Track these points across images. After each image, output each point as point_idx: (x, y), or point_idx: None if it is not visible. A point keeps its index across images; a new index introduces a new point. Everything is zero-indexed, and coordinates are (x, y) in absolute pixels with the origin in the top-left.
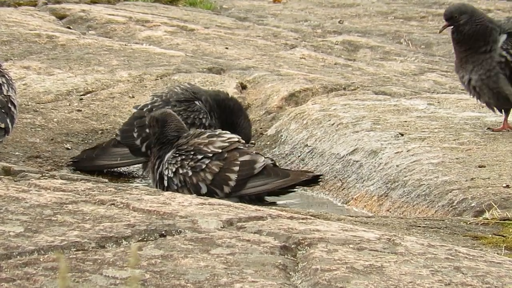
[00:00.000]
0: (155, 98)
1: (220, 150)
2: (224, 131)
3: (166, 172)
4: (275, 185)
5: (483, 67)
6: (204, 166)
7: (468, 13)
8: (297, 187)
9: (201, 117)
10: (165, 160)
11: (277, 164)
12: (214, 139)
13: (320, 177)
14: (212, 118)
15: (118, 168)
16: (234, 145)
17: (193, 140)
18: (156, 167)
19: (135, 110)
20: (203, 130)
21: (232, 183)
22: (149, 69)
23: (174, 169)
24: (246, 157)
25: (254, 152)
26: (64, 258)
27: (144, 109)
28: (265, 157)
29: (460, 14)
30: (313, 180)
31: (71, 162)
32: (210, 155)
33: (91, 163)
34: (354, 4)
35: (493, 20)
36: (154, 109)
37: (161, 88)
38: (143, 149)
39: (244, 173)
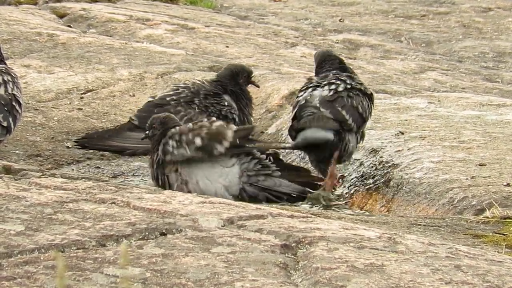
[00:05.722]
0: (181, 89)
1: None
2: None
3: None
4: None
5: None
6: (200, 123)
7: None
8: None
9: (232, 111)
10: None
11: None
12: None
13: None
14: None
15: (124, 154)
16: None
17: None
18: (155, 158)
19: (150, 99)
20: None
21: (229, 139)
22: (149, 67)
23: (177, 139)
24: (241, 127)
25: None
26: (62, 257)
27: (167, 98)
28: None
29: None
30: None
31: (80, 140)
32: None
33: (102, 142)
34: (354, 3)
35: None
36: (181, 100)
37: (162, 86)
38: None
39: (241, 134)
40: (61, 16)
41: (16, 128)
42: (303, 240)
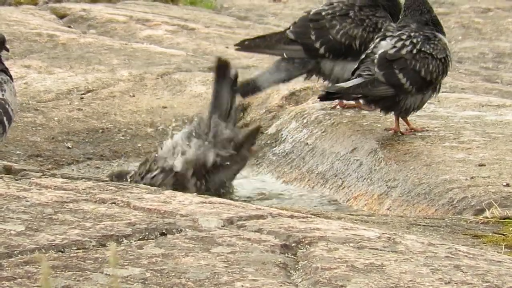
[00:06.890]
0: (335, 3)
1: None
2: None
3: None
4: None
5: None
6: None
7: None
8: None
9: (387, 23)
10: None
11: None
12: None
13: None
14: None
15: None
16: None
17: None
18: None
19: (305, 13)
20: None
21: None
22: (149, 68)
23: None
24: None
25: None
26: (45, 259)
27: (323, 13)
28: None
29: None
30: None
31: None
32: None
33: (261, 50)
34: None
35: None
36: (336, 13)
37: (162, 87)
38: (322, 50)
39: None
40: (61, 16)
41: (16, 128)
42: (303, 240)
